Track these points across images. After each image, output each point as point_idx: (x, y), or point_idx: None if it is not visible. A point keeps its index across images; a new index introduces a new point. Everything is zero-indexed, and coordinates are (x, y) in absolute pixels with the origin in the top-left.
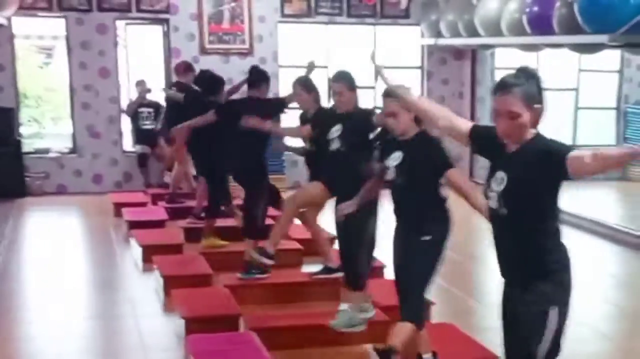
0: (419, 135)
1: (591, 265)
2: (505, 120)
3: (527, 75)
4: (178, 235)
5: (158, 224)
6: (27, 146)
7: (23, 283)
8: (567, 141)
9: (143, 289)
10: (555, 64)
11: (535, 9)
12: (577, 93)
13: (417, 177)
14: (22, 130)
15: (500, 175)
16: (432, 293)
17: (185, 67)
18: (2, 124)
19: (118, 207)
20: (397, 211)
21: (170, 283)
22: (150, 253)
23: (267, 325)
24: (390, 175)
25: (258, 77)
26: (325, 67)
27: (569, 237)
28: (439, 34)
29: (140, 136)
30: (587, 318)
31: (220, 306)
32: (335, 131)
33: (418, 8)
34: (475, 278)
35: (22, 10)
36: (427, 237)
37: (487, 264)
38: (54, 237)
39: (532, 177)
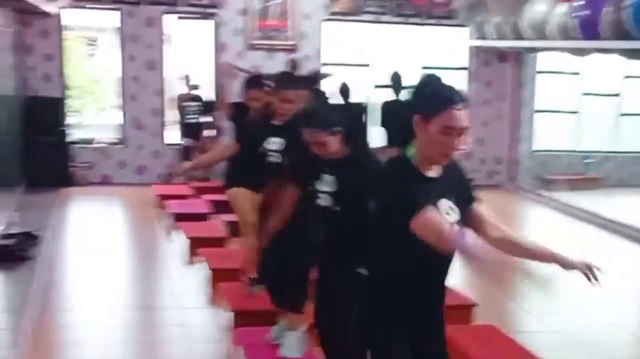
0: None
1: (629, 270)
2: (458, 138)
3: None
4: (222, 228)
5: (201, 217)
6: (71, 135)
7: (67, 272)
8: (608, 147)
9: (187, 281)
10: (600, 69)
11: (584, 13)
12: (620, 99)
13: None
14: (68, 119)
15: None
16: (472, 295)
17: None
18: (49, 113)
19: (161, 199)
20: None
21: (217, 276)
22: (196, 246)
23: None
24: None
25: None
26: (368, 65)
27: (607, 242)
28: (485, 36)
29: (185, 129)
30: (625, 323)
31: (267, 300)
32: None
33: (464, 9)
34: (514, 281)
35: (74, 1)
36: None
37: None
38: (98, 228)
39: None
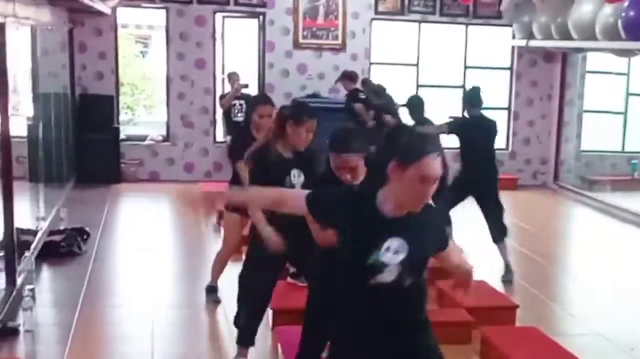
0: None
1: None
2: (433, 186)
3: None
4: None
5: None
6: (122, 133)
7: (116, 268)
8: None
9: (232, 279)
10: None
11: (631, 13)
12: None
13: None
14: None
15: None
16: (516, 296)
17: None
18: (102, 111)
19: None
20: None
21: None
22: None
23: None
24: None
25: None
26: (416, 65)
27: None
28: (530, 36)
29: (232, 127)
30: None
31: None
32: None
33: (511, 9)
34: (556, 283)
35: (126, 0)
36: None
37: (568, 269)
38: (147, 224)
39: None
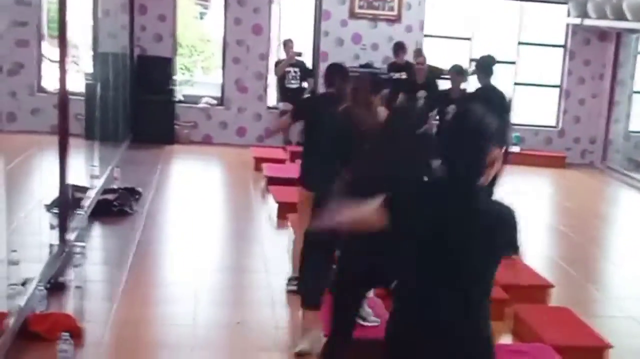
0: None
1: None
2: None
3: None
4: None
5: (295, 182)
6: (178, 93)
7: (166, 229)
8: None
9: (276, 246)
10: None
11: None
12: None
13: None
14: (175, 78)
15: None
16: (553, 275)
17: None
18: (159, 73)
19: (258, 161)
20: None
21: (301, 243)
22: (285, 211)
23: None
24: None
25: None
26: (469, 39)
27: None
28: (585, 14)
29: (285, 94)
30: None
31: None
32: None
33: None
34: (595, 264)
35: None
36: None
37: (609, 251)
38: (197, 187)
39: None
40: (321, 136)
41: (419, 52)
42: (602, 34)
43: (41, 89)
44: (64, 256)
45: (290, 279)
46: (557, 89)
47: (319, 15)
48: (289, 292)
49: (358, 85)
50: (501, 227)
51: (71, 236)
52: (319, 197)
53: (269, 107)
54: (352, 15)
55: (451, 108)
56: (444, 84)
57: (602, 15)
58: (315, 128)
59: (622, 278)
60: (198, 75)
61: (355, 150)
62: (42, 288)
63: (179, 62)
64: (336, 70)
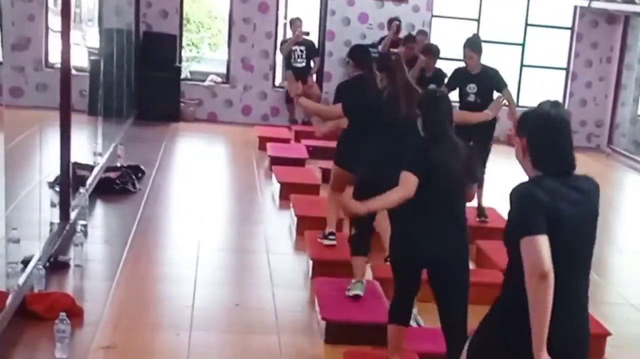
0: None
1: None
2: None
3: None
4: (315, 175)
5: (298, 162)
6: (185, 69)
7: (167, 208)
8: None
9: (278, 226)
10: None
11: None
12: None
13: None
14: (182, 54)
15: None
16: None
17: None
18: (165, 50)
19: (263, 141)
20: None
21: (304, 223)
22: (288, 191)
23: (390, 276)
24: None
25: None
26: (477, 20)
27: None
28: None
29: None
30: None
31: (348, 252)
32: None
33: None
34: (598, 249)
35: None
36: None
37: (613, 237)
38: (201, 166)
39: None
40: (366, 120)
41: (414, 38)
42: (610, 17)
43: (48, 64)
44: (64, 235)
45: (327, 235)
46: (564, 72)
47: None
48: (326, 246)
49: (394, 67)
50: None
51: (73, 214)
52: (365, 180)
53: (274, 86)
54: None
55: (471, 87)
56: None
57: None
58: (359, 113)
59: (625, 264)
60: (205, 52)
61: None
62: (41, 266)
63: (187, 38)
64: (365, 53)
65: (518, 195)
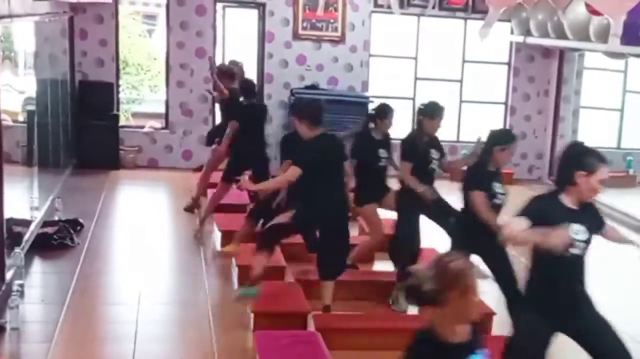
0: None
1: None
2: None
3: None
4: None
5: (240, 208)
6: (127, 112)
7: (107, 262)
8: None
9: (219, 276)
10: None
11: (624, 17)
12: None
13: None
14: (121, 95)
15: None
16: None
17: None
18: (102, 98)
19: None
20: None
21: (245, 274)
22: (229, 240)
23: (333, 326)
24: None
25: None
26: (415, 58)
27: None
28: (528, 32)
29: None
30: None
31: (289, 303)
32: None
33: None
34: None
35: None
36: None
37: None
38: (142, 215)
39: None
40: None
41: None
42: (546, 51)
43: None
44: (0, 296)
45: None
46: (503, 106)
47: (263, 37)
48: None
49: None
50: None
51: (8, 274)
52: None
53: None
54: (296, 36)
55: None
56: None
57: (544, 34)
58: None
59: None
60: (146, 93)
61: None
62: None
63: (126, 81)
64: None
65: None
